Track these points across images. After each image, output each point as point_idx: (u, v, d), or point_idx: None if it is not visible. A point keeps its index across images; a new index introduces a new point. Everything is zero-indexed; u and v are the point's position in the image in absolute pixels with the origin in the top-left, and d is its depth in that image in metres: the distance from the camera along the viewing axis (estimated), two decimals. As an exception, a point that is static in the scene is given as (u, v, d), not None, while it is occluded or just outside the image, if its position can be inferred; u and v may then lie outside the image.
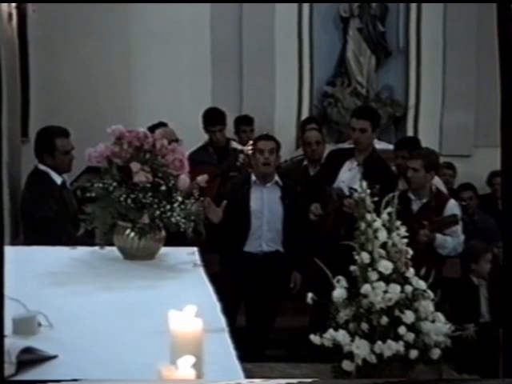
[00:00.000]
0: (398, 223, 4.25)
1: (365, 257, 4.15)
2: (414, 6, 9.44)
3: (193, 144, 7.35)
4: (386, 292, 4.09)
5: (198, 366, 1.96)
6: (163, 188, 3.80)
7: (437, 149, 7.99)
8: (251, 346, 6.00)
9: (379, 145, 7.38)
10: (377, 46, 9.48)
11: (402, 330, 4.07)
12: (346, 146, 7.82)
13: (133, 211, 3.78)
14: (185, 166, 3.89)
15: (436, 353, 4.13)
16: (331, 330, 4.14)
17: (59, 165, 5.95)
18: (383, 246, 4.18)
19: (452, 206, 6.48)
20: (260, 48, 9.17)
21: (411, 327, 4.09)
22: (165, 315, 2.10)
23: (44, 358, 2.43)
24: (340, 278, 4.23)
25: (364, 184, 4.27)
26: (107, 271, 3.69)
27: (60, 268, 3.67)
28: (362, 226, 4.20)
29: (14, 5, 6.79)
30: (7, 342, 2.37)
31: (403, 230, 4.24)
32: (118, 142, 3.83)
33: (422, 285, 4.19)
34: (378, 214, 4.21)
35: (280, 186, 6.45)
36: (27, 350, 2.40)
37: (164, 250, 3.95)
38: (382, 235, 4.17)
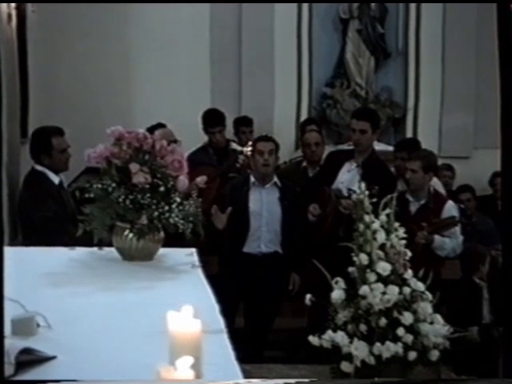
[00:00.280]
0: (397, 225, 4.24)
1: (363, 258, 4.15)
2: (413, 7, 9.44)
3: (192, 145, 7.35)
4: (384, 293, 4.08)
5: (196, 367, 1.97)
6: (162, 189, 3.81)
7: (436, 150, 8.01)
8: (250, 347, 6.00)
9: (379, 146, 7.38)
10: (376, 48, 9.48)
11: (400, 331, 4.07)
12: (345, 147, 7.83)
13: (131, 212, 3.78)
14: (184, 167, 3.89)
15: (435, 354, 4.13)
16: (330, 332, 4.13)
17: (57, 164, 5.95)
18: (381, 247, 4.18)
19: (450, 208, 6.48)
20: (259, 49, 9.17)
21: (410, 329, 4.09)
22: (163, 316, 2.11)
23: (43, 359, 2.43)
24: (338, 279, 4.22)
25: (362, 185, 4.27)
26: (106, 272, 3.70)
27: (59, 269, 3.67)
28: (361, 227, 4.20)
29: (13, 5, 6.79)
30: (6, 342, 2.37)
31: (402, 232, 4.23)
32: (117, 142, 3.83)
33: (421, 286, 4.19)
34: (377, 216, 4.21)
35: (279, 187, 6.46)
36: (26, 351, 2.40)
37: (162, 250, 3.95)
38: (381, 237, 4.17)
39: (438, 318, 4.18)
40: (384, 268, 4.12)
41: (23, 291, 2.92)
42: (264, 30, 9.19)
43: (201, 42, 9.11)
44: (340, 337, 4.09)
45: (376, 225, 4.17)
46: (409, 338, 4.07)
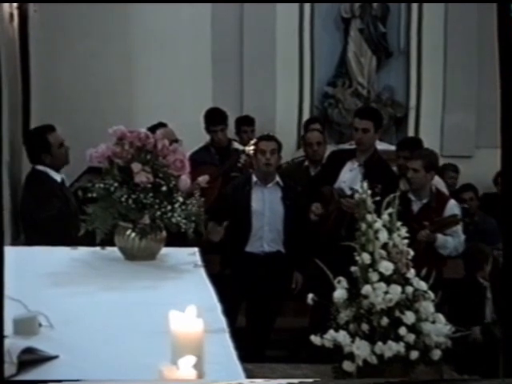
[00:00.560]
0: (399, 224, 4.24)
1: (365, 257, 4.15)
2: (415, 6, 9.44)
3: (194, 144, 7.36)
4: (386, 293, 4.08)
5: (198, 367, 1.97)
6: (164, 188, 3.80)
7: (438, 150, 8.00)
8: (252, 347, 6.00)
9: (381, 145, 7.38)
10: (378, 47, 9.47)
11: (402, 330, 4.07)
12: (346, 146, 7.83)
13: (134, 212, 3.78)
14: (186, 166, 3.89)
15: (437, 354, 4.13)
16: (332, 331, 4.13)
17: (58, 159, 5.95)
18: (384, 246, 4.18)
19: (452, 206, 6.49)
20: (261, 48, 9.17)
21: (412, 328, 4.09)
22: (165, 316, 2.11)
23: (45, 359, 2.43)
24: (341, 278, 4.22)
25: (365, 185, 4.27)
26: (108, 272, 3.70)
27: (61, 268, 3.67)
28: (363, 226, 4.20)
29: (15, 5, 6.80)
30: (8, 342, 2.37)
31: (404, 231, 4.23)
32: (119, 142, 3.83)
33: (423, 285, 4.19)
34: (379, 215, 4.21)
35: (281, 186, 6.46)
36: (28, 351, 2.40)
37: (165, 250, 3.95)
38: (383, 236, 4.17)
39: (440, 317, 4.18)
40: (386, 267, 4.12)
41: (25, 291, 2.93)
42: (266, 30, 9.19)
43: (202, 41, 9.11)
44: (342, 336, 4.09)
45: (378, 224, 4.17)
46: (411, 338, 4.07)
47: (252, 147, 6.52)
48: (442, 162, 7.70)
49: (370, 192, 4.22)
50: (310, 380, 3.06)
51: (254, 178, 6.46)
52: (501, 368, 4.64)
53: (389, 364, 4.06)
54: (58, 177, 5.95)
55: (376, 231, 4.16)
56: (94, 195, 3.81)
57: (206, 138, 7.67)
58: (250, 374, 2.54)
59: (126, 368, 2.42)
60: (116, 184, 3.79)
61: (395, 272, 4.14)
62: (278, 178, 6.47)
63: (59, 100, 8.45)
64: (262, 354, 6.32)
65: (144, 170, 3.78)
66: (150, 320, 2.75)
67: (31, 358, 2.40)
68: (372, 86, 9.53)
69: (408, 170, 6.43)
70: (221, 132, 7.57)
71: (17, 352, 2.35)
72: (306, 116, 9.37)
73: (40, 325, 2.71)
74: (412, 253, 4.24)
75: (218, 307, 3.04)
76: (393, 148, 7.86)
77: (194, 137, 7.30)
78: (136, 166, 3.77)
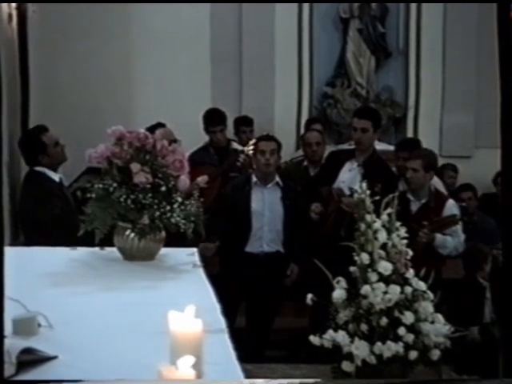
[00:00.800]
0: (398, 224, 4.25)
1: (364, 258, 4.15)
2: (413, 6, 9.43)
3: (193, 144, 7.35)
4: (385, 293, 4.08)
5: (197, 367, 1.97)
6: (163, 189, 3.80)
7: (437, 150, 8.00)
8: (251, 347, 6.00)
9: (380, 146, 7.37)
10: (377, 47, 9.47)
11: (401, 330, 4.07)
12: (345, 146, 7.83)
13: (133, 212, 3.78)
14: (185, 166, 3.89)
15: (436, 354, 4.13)
16: (331, 331, 4.14)
17: (55, 158, 5.96)
18: (383, 246, 4.18)
19: (451, 206, 6.49)
20: (260, 49, 9.16)
21: (411, 328, 4.09)
22: (165, 316, 2.11)
23: (44, 359, 2.43)
24: (340, 278, 4.22)
25: (364, 185, 4.27)
26: (107, 272, 3.70)
27: (60, 269, 3.67)
28: (362, 226, 4.20)
29: (14, 5, 6.79)
30: (7, 342, 2.37)
31: (403, 231, 4.24)
32: (118, 142, 3.83)
33: (422, 286, 4.19)
34: (378, 215, 4.21)
35: (281, 186, 6.46)
36: (27, 351, 2.40)
37: (164, 250, 3.95)
38: (382, 236, 4.17)
39: (439, 317, 4.18)
40: (385, 267, 4.12)
41: (25, 291, 2.93)
42: (264, 30, 9.19)
43: (201, 41, 9.10)
44: (341, 336, 4.09)
45: (377, 224, 4.17)
46: (410, 338, 4.07)
47: (251, 147, 6.52)
48: (441, 162, 7.71)
49: (369, 192, 4.22)
50: (311, 380, 3.06)
51: (254, 179, 6.47)
52: (500, 368, 4.65)
53: (388, 364, 4.06)
54: (56, 177, 5.95)
55: (375, 231, 4.16)
56: (93, 195, 3.81)
57: (205, 138, 7.67)
58: (249, 375, 2.54)
59: (124, 368, 2.41)
60: (115, 184, 3.79)
61: (394, 272, 4.15)
62: (277, 179, 6.47)
63: (58, 100, 8.45)
64: (262, 355, 6.32)
65: (143, 170, 3.78)
66: (149, 320, 2.75)
67: (30, 359, 2.40)
68: (371, 86, 9.53)
69: (407, 170, 6.43)
70: (220, 132, 7.56)
71: (16, 352, 2.35)
72: (304, 116, 9.36)
73: (39, 325, 2.71)
74: (411, 253, 4.24)
75: (217, 307, 3.04)
76: (392, 148, 7.86)
77: (193, 137, 7.30)
78: (135, 167, 3.77)
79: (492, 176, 8.50)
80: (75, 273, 3.66)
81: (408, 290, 4.16)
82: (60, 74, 8.60)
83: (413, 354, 4.08)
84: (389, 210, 4.21)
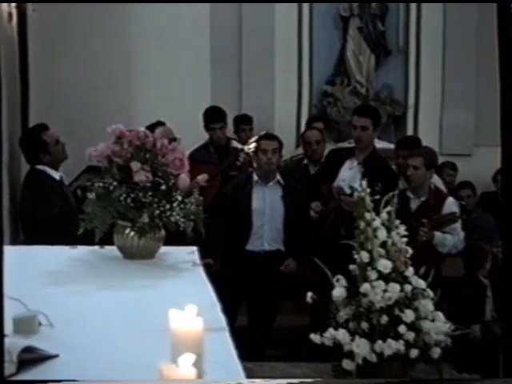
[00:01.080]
0: (398, 222, 4.25)
1: (364, 256, 4.15)
2: (413, 5, 9.43)
3: (192, 143, 7.35)
4: (385, 291, 4.09)
5: (198, 365, 1.97)
6: (163, 187, 3.80)
7: (437, 148, 8.00)
8: (252, 345, 6.01)
9: (380, 144, 7.38)
10: (376, 45, 9.47)
11: (402, 328, 4.07)
12: (345, 145, 7.83)
13: (132, 210, 3.78)
14: (185, 165, 3.89)
15: (436, 352, 4.13)
16: (331, 329, 4.14)
17: (56, 157, 5.97)
18: (383, 245, 4.18)
19: (450, 204, 6.49)
20: (260, 47, 9.16)
21: (411, 326, 4.10)
22: (165, 314, 2.11)
23: (45, 357, 2.44)
24: (340, 277, 4.23)
25: (364, 183, 4.27)
26: (107, 270, 3.70)
27: (60, 267, 3.67)
28: (362, 225, 4.20)
29: (14, 4, 6.79)
30: (8, 341, 2.37)
31: (402, 229, 4.24)
32: (118, 141, 3.83)
33: (422, 284, 4.20)
34: (378, 213, 4.21)
35: (282, 185, 6.47)
36: (28, 350, 2.41)
37: (164, 249, 3.95)
38: (382, 234, 4.18)
39: (440, 315, 4.18)
40: (385, 266, 4.12)
41: (25, 290, 2.93)
42: (264, 28, 9.19)
43: (201, 40, 9.10)
44: (341, 334, 4.09)
45: (377, 222, 4.18)
46: (410, 336, 4.07)
47: (252, 146, 6.51)
48: (440, 160, 7.71)
49: (369, 190, 4.22)
50: (310, 380, 3.06)
51: (255, 177, 6.47)
52: (501, 367, 4.65)
53: (388, 362, 4.06)
54: (56, 175, 5.96)
55: (375, 229, 4.17)
56: (93, 194, 3.81)
57: (205, 137, 7.67)
58: (249, 373, 2.54)
59: (125, 366, 2.42)
60: (115, 183, 3.79)
61: (394, 270, 4.15)
62: (278, 177, 6.47)
63: (58, 99, 8.45)
64: (262, 353, 6.32)
65: (143, 168, 3.78)
66: (150, 319, 2.75)
67: (31, 357, 2.40)
68: (371, 84, 9.53)
69: (408, 168, 6.43)
70: (219, 130, 7.55)
71: (17, 351, 2.36)
72: (304, 115, 9.37)
73: (40, 324, 2.71)
74: (410, 251, 4.24)
75: (218, 306, 3.04)
76: (392, 146, 7.87)
77: (192, 136, 7.29)
78: (135, 165, 3.77)
79: (492, 174, 8.50)
80: (75, 271, 3.66)
81: (408, 288, 4.16)
82: (60, 73, 8.59)
83: (413, 352, 4.08)
84: (388, 208, 4.21)
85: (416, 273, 4.23)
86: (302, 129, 8.83)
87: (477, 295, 6.66)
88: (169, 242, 3.97)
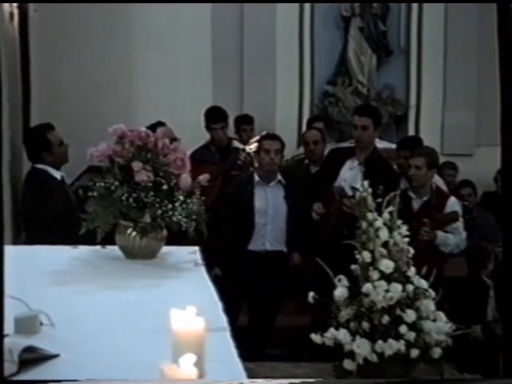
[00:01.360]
0: (399, 222, 4.24)
1: (366, 256, 4.15)
2: (415, 5, 9.44)
3: (194, 143, 7.35)
4: (387, 291, 4.08)
5: (199, 365, 1.97)
6: (165, 187, 3.81)
7: (438, 148, 8.00)
8: (253, 345, 6.01)
9: (381, 144, 7.37)
10: (378, 45, 9.48)
11: (403, 328, 4.07)
12: (346, 145, 7.82)
13: (134, 210, 3.78)
14: (186, 165, 3.90)
15: (437, 352, 4.13)
16: (332, 329, 4.14)
17: (59, 158, 5.97)
18: (384, 244, 4.18)
19: (452, 204, 6.49)
20: (261, 47, 9.17)
21: (412, 326, 4.09)
22: (166, 314, 2.11)
23: (46, 357, 2.44)
24: (341, 277, 4.22)
25: (365, 183, 4.27)
26: (109, 270, 3.70)
27: (62, 267, 3.67)
28: (364, 225, 4.20)
29: (15, 5, 6.79)
30: (9, 340, 2.38)
31: (404, 229, 4.24)
32: (119, 141, 3.83)
33: (424, 284, 4.19)
34: (380, 213, 4.21)
35: (283, 184, 6.47)
36: (29, 349, 2.41)
37: (165, 249, 3.95)
38: (384, 234, 4.17)
39: (441, 315, 4.18)
40: (387, 265, 4.12)
41: (26, 289, 2.93)
42: (266, 28, 9.19)
43: (203, 40, 9.11)
44: (342, 334, 4.09)
45: (379, 222, 4.17)
46: (411, 336, 4.07)
47: (254, 145, 6.51)
48: (442, 160, 7.71)
49: (370, 190, 4.22)
50: (312, 380, 3.06)
51: (256, 178, 6.46)
52: (501, 367, 4.64)
53: (389, 362, 4.06)
54: (57, 174, 5.96)
55: (376, 229, 4.16)
56: (95, 194, 3.81)
57: (206, 137, 7.67)
58: (250, 373, 2.54)
59: (126, 366, 2.42)
60: (117, 183, 3.79)
61: (396, 270, 4.15)
62: (280, 177, 6.47)
63: (59, 99, 8.45)
64: (263, 353, 6.32)
65: (144, 168, 3.78)
66: (151, 319, 2.76)
67: (32, 357, 2.40)
68: (372, 84, 9.54)
69: (410, 167, 6.43)
70: (221, 130, 7.55)
71: (18, 351, 2.36)
72: (306, 115, 9.37)
73: (41, 323, 2.71)
74: (412, 251, 4.24)
75: (219, 306, 3.04)
76: (393, 146, 7.86)
77: (194, 136, 7.30)
78: (136, 165, 3.78)
79: (493, 174, 8.50)
80: (77, 271, 3.67)
81: (409, 288, 4.16)
82: (61, 73, 8.60)
83: (414, 352, 4.08)
84: (390, 208, 4.21)
85: (418, 273, 4.23)
86: (304, 129, 8.83)
87: (479, 295, 6.66)
88: (171, 241, 3.97)
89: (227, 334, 2.73)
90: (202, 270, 3.74)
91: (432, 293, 4.19)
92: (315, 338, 4.15)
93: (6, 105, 5.79)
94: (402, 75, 9.65)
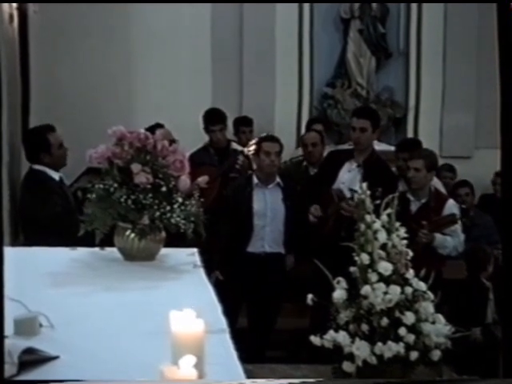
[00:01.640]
0: (398, 224, 4.24)
1: (364, 258, 4.15)
2: (414, 7, 9.43)
3: (193, 144, 7.35)
4: (386, 293, 4.08)
5: (199, 367, 1.97)
6: (164, 189, 3.81)
7: (437, 150, 8.00)
8: (252, 347, 6.01)
9: (379, 146, 7.38)
10: (377, 48, 9.47)
11: (402, 331, 4.07)
12: (345, 147, 7.82)
13: (133, 212, 3.78)
14: (185, 167, 3.90)
15: (436, 354, 4.13)
16: (331, 332, 4.13)
17: (57, 160, 5.96)
18: (383, 247, 4.18)
19: (451, 206, 6.49)
20: (260, 49, 9.16)
21: (411, 328, 4.09)
22: (166, 316, 2.11)
23: (45, 359, 2.44)
24: (340, 279, 4.22)
25: (364, 185, 4.27)
26: (107, 272, 3.70)
27: (60, 269, 3.68)
28: (362, 227, 4.20)
29: (15, 5, 6.79)
30: (9, 342, 2.37)
31: (403, 231, 4.24)
32: (118, 142, 3.84)
33: (422, 286, 4.19)
34: (378, 216, 4.21)
35: (281, 187, 6.47)
36: (29, 351, 2.41)
37: (164, 251, 3.95)
38: (382, 236, 4.17)
39: (440, 317, 4.18)
40: (385, 268, 4.12)
41: (25, 291, 2.93)
42: (265, 30, 9.19)
43: (202, 41, 9.10)
44: (342, 337, 4.09)
45: (377, 224, 4.17)
46: (410, 338, 4.07)
47: (253, 147, 6.51)
48: (441, 162, 7.71)
49: (369, 193, 4.22)
50: (312, 380, 3.06)
51: (255, 180, 6.46)
52: (501, 369, 4.65)
53: (388, 364, 4.06)
54: (56, 175, 5.96)
55: (375, 232, 4.16)
56: (94, 196, 3.81)
57: (205, 139, 7.67)
58: (250, 375, 2.54)
59: (126, 368, 2.42)
60: (115, 185, 3.79)
61: (394, 272, 4.15)
62: (278, 179, 6.47)
63: (59, 100, 8.45)
64: (262, 355, 6.32)
65: (144, 170, 3.78)
66: (150, 320, 2.75)
67: (32, 359, 2.40)
68: (371, 86, 9.53)
69: (409, 170, 6.43)
70: (219, 132, 7.55)
71: (17, 352, 2.36)
72: (305, 117, 9.36)
73: (40, 325, 2.71)
74: (411, 253, 4.24)
75: (219, 308, 3.04)
76: (392, 149, 7.86)
77: (193, 137, 7.30)
78: (136, 167, 3.78)
79: (492, 176, 8.50)
80: (76, 273, 3.67)
81: (408, 290, 4.16)
82: (60, 74, 8.60)
83: (413, 355, 4.08)
84: (389, 211, 4.21)
85: (416, 275, 4.23)
86: (303, 131, 8.83)
87: (479, 298, 6.66)
88: (169, 243, 3.97)
89: (227, 336, 2.73)
90: (201, 271, 3.74)
91: (431, 295, 4.19)
92: (314, 340, 4.15)
93: (6, 105, 5.79)
94: (401, 77, 9.65)
